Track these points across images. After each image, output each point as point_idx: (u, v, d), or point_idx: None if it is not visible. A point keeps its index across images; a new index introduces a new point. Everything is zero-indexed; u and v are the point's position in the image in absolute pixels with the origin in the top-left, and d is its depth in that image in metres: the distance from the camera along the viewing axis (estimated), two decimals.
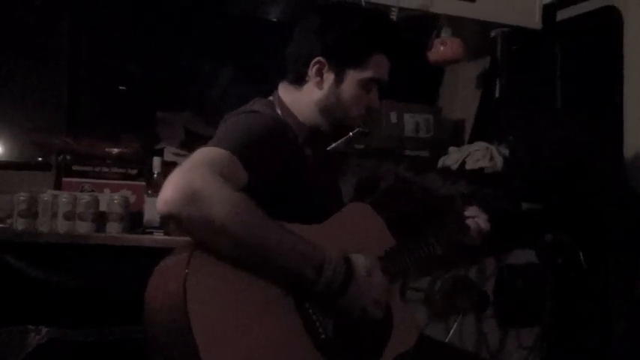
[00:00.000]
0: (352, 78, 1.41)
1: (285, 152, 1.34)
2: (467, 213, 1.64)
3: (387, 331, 1.35)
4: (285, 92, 1.47)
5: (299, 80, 1.44)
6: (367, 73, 1.41)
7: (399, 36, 1.49)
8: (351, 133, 1.47)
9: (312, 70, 1.42)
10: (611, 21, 2.74)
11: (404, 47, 1.49)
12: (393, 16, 2.59)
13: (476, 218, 1.63)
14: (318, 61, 1.41)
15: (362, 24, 1.41)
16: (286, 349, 1.17)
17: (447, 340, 2.51)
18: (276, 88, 1.50)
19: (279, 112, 1.43)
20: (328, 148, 1.47)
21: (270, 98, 1.48)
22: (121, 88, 3.07)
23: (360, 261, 1.25)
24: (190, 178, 1.10)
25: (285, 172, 1.32)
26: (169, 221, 1.12)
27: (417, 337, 1.40)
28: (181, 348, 1.08)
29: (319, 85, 1.42)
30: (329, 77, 1.41)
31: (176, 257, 1.16)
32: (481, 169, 2.74)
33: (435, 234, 1.54)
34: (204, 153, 1.18)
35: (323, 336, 1.21)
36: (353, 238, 1.36)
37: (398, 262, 1.41)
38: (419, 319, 1.47)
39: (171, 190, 1.09)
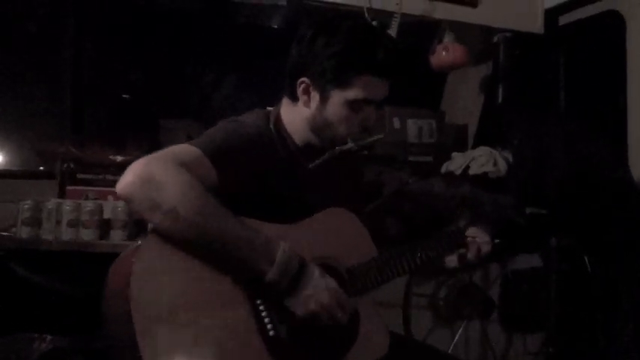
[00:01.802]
0: (337, 98, 1.38)
1: (259, 161, 1.34)
2: (468, 233, 1.61)
3: (350, 338, 1.33)
4: (285, 106, 1.48)
5: (292, 97, 1.44)
6: (352, 94, 1.37)
7: (391, 54, 1.39)
8: (327, 153, 1.44)
9: (299, 89, 1.41)
10: (613, 25, 2.73)
11: (400, 64, 1.42)
12: (395, 23, 2.59)
13: (477, 238, 1.60)
14: (303, 81, 1.40)
15: (345, 45, 1.36)
16: (231, 342, 1.18)
17: (452, 346, 2.49)
18: (280, 97, 1.50)
19: (271, 125, 1.43)
20: (310, 166, 1.44)
21: (270, 109, 1.49)
22: (124, 96, 3.08)
23: (311, 264, 1.26)
24: (150, 164, 1.17)
25: (257, 179, 1.33)
26: (127, 204, 1.20)
27: (387, 347, 1.37)
28: (125, 335, 1.11)
29: (307, 103, 1.41)
30: (315, 96, 1.40)
31: (131, 247, 1.21)
32: (485, 173, 2.73)
33: (423, 250, 1.51)
34: (174, 147, 1.25)
35: (271, 333, 1.23)
36: (321, 242, 1.35)
37: (373, 273, 1.39)
38: (386, 328, 1.43)
39: (129, 174, 1.16)
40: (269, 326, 1.23)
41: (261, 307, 1.23)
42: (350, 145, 1.42)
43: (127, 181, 1.16)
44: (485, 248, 1.61)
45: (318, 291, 1.23)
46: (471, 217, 1.69)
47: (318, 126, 1.42)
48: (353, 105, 1.38)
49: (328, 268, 1.34)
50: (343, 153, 1.44)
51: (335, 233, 1.39)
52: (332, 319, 1.26)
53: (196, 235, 1.16)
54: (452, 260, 1.63)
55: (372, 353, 1.35)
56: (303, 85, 1.40)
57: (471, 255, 1.60)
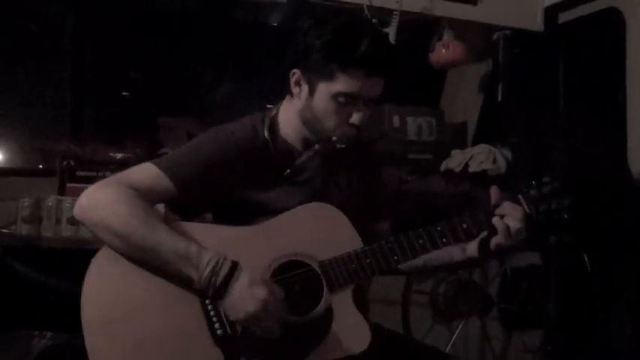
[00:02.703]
0: (323, 91, 1.38)
1: (235, 168, 1.38)
2: (498, 211, 1.38)
3: (319, 335, 1.31)
4: (285, 103, 1.49)
5: (290, 90, 1.45)
6: (336, 88, 1.36)
7: (377, 50, 1.36)
8: (310, 151, 1.43)
9: (292, 80, 1.42)
10: (613, 23, 2.73)
11: (387, 61, 1.39)
12: (395, 20, 2.60)
13: (505, 218, 1.37)
14: (295, 72, 1.41)
15: (332, 38, 1.36)
16: (179, 341, 1.27)
17: (451, 343, 2.50)
18: (283, 96, 1.51)
19: (265, 126, 1.45)
20: (296, 162, 1.44)
21: (270, 107, 1.51)
22: (124, 94, 3.09)
23: (244, 271, 1.28)
24: (98, 189, 1.32)
25: (232, 186, 1.39)
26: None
27: (367, 344, 1.31)
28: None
29: (298, 95, 1.42)
30: (304, 88, 1.41)
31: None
32: (484, 171, 2.74)
33: (423, 239, 1.37)
34: (131, 169, 1.37)
35: (219, 332, 1.28)
36: (291, 239, 1.35)
37: (352, 266, 1.34)
38: (366, 325, 1.34)
39: (82, 199, 1.32)
40: (216, 325, 1.28)
41: (209, 307, 1.29)
42: (333, 140, 1.41)
43: (77, 205, 1.33)
44: (516, 225, 1.36)
45: (243, 300, 1.25)
46: (503, 193, 1.42)
47: (308, 119, 1.42)
48: (338, 99, 1.37)
49: (296, 264, 1.34)
50: (322, 150, 1.43)
51: (311, 228, 1.36)
52: (260, 327, 1.27)
53: (130, 248, 1.28)
54: (467, 250, 1.45)
55: (345, 349, 1.31)
56: (295, 77, 1.41)
57: (498, 238, 1.37)
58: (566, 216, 1.43)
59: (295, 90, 1.42)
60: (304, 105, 1.41)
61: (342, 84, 1.36)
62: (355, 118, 1.40)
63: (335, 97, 1.37)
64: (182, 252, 1.26)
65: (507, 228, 1.37)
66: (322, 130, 1.41)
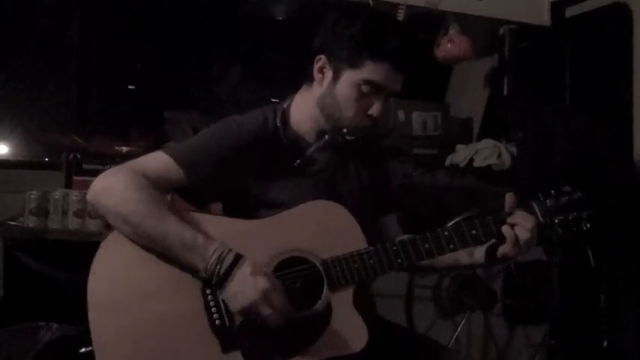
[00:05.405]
0: (347, 77, 1.40)
1: (243, 159, 1.40)
2: (509, 219, 1.35)
3: (316, 332, 1.31)
4: (300, 94, 1.51)
5: (309, 78, 1.47)
6: (362, 75, 1.38)
7: (405, 45, 1.40)
8: (321, 141, 1.45)
9: (316, 66, 1.44)
10: (620, 17, 2.72)
11: (413, 57, 1.43)
12: (400, 15, 2.59)
13: (515, 228, 1.35)
14: (320, 58, 1.43)
15: (363, 28, 1.39)
16: (178, 327, 1.29)
17: (454, 337, 2.51)
18: (295, 89, 1.53)
19: (278, 118, 1.46)
20: (307, 152, 1.45)
21: (276, 101, 1.52)
22: (130, 87, 3.09)
23: (247, 262, 1.29)
24: (111, 175, 1.35)
25: (242, 176, 1.41)
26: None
27: (363, 345, 1.30)
28: None
29: (320, 82, 1.44)
30: (328, 75, 1.42)
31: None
32: (489, 166, 2.74)
33: (429, 244, 1.35)
34: (144, 157, 1.41)
35: (217, 321, 1.30)
36: (295, 235, 1.35)
37: (355, 266, 1.33)
38: (363, 326, 1.32)
39: (95, 183, 1.35)
40: (215, 315, 1.30)
41: (209, 297, 1.31)
42: (343, 132, 1.43)
43: (90, 189, 1.35)
44: (525, 235, 1.34)
45: (245, 289, 1.26)
46: (519, 200, 1.37)
47: (327, 105, 1.43)
48: (362, 87, 1.39)
49: (299, 261, 1.34)
50: (332, 140, 1.44)
51: (316, 225, 1.36)
52: (261, 317, 1.27)
53: (138, 235, 1.31)
54: (474, 255, 1.44)
55: (340, 349, 1.31)
56: (319, 62, 1.43)
57: (505, 247, 1.36)
58: (584, 228, 1.40)
59: (318, 76, 1.44)
60: (325, 91, 1.43)
61: (369, 72, 1.38)
62: (375, 109, 1.42)
63: (359, 85, 1.39)
64: (189, 242, 1.29)
65: (516, 238, 1.35)
66: (339, 117, 1.43)
